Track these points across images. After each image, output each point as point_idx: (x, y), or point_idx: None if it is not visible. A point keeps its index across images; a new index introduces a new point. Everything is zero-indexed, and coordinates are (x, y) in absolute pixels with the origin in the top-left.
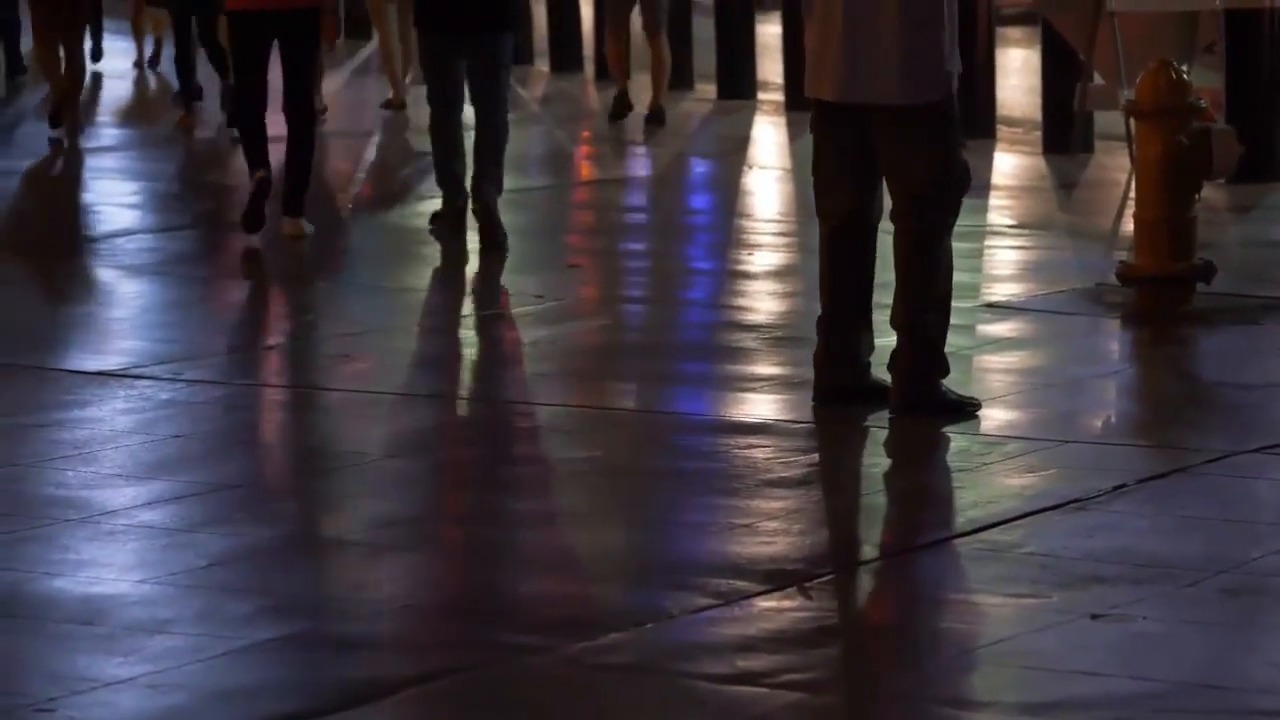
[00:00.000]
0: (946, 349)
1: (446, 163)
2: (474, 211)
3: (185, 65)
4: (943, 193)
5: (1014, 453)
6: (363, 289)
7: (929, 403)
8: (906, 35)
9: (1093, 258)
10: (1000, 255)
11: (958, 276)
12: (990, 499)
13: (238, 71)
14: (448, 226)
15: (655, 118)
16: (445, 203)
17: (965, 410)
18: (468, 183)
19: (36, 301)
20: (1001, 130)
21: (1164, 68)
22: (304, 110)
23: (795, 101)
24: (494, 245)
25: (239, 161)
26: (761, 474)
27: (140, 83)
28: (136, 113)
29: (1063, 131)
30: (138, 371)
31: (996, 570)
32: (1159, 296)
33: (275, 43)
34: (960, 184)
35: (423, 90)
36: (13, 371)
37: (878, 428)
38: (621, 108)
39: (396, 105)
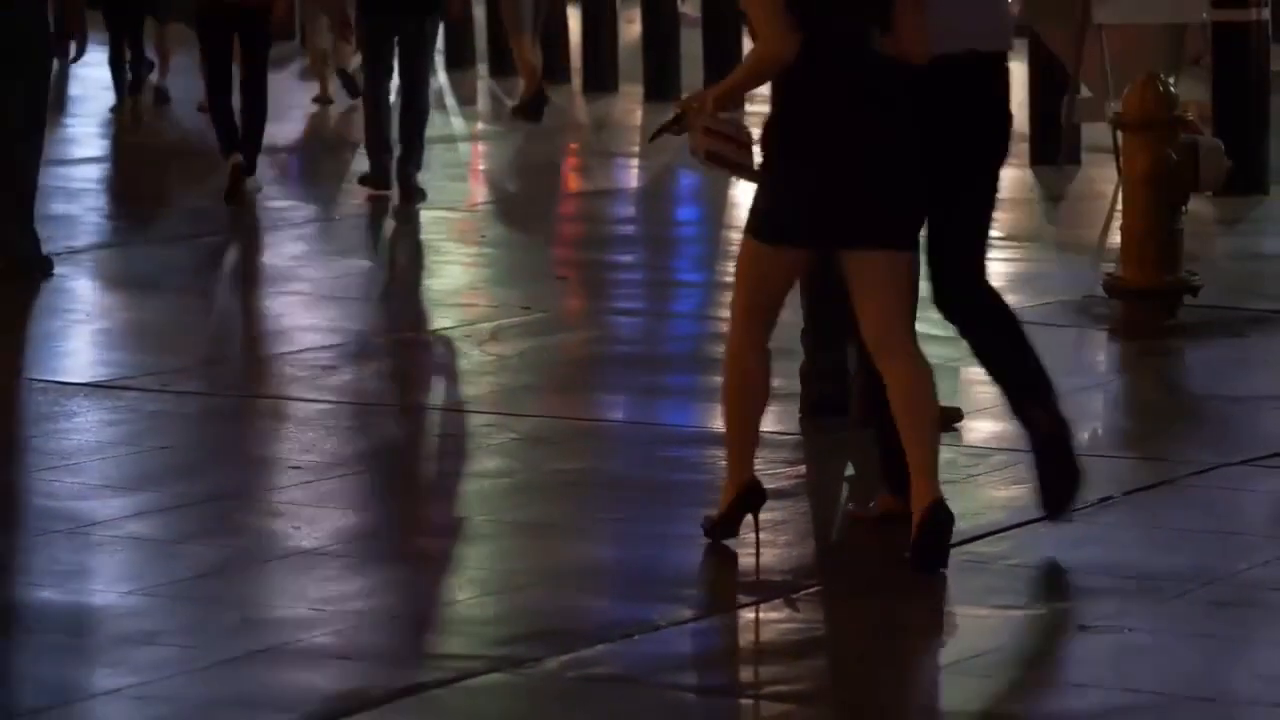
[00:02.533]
0: (934, 360)
1: (375, 127)
2: (398, 180)
3: (117, 65)
4: None
5: (1001, 464)
6: (349, 299)
7: None
8: None
9: (1080, 270)
10: (987, 267)
11: None
12: (977, 511)
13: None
14: (372, 185)
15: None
16: (371, 166)
17: (943, 420)
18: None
19: (21, 312)
20: None
21: (1151, 81)
22: (258, 89)
23: None
24: (410, 200)
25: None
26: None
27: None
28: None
29: (1050, 144)
30: (124, 383)
31: (984, 582)
32: (1146, 309)
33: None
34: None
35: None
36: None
37: (864, 440)
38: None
39: (326, 100)
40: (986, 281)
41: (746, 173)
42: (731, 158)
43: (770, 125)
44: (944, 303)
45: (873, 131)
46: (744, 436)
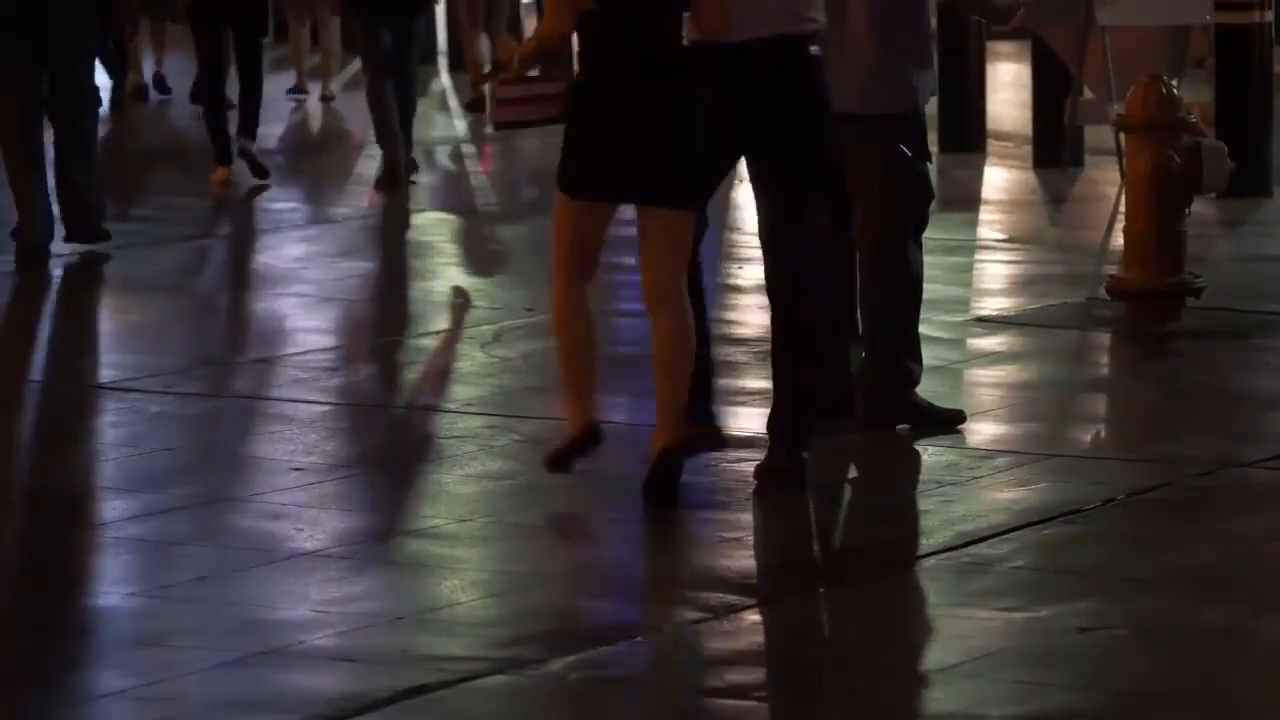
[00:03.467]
0: (937, 363)
1: (384, 120)
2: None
3: (112, 63)
4: (894, 205)
5: (1003, 466)
6: (351, 301)
7: (893, 417)
8: (873, 47)
9: (1083, 272)
10: (990, 269)
11: (948, 290)
12: (979, 513)
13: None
14: (388, 184)
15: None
16: (387, 165)
17: (944, 421)
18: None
19: (23, 314)
20: (992, 144)
21: (1154, 82)
22: (254, 76)
23: None
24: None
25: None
26: (751, 488)
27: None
28: None
29: (1053, 146)
30: (126, 384)
31: (985, 583)
32: (1149, 311)
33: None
34: (911, 198)
35: None
36: (3, 385)
37: (866, 442)
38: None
39: (303, 90)
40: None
41: (551, 121)
42: (531, 118)
43: (572, 90)
44: (771, 262)
45: (659, 101)
46: (579, 377)
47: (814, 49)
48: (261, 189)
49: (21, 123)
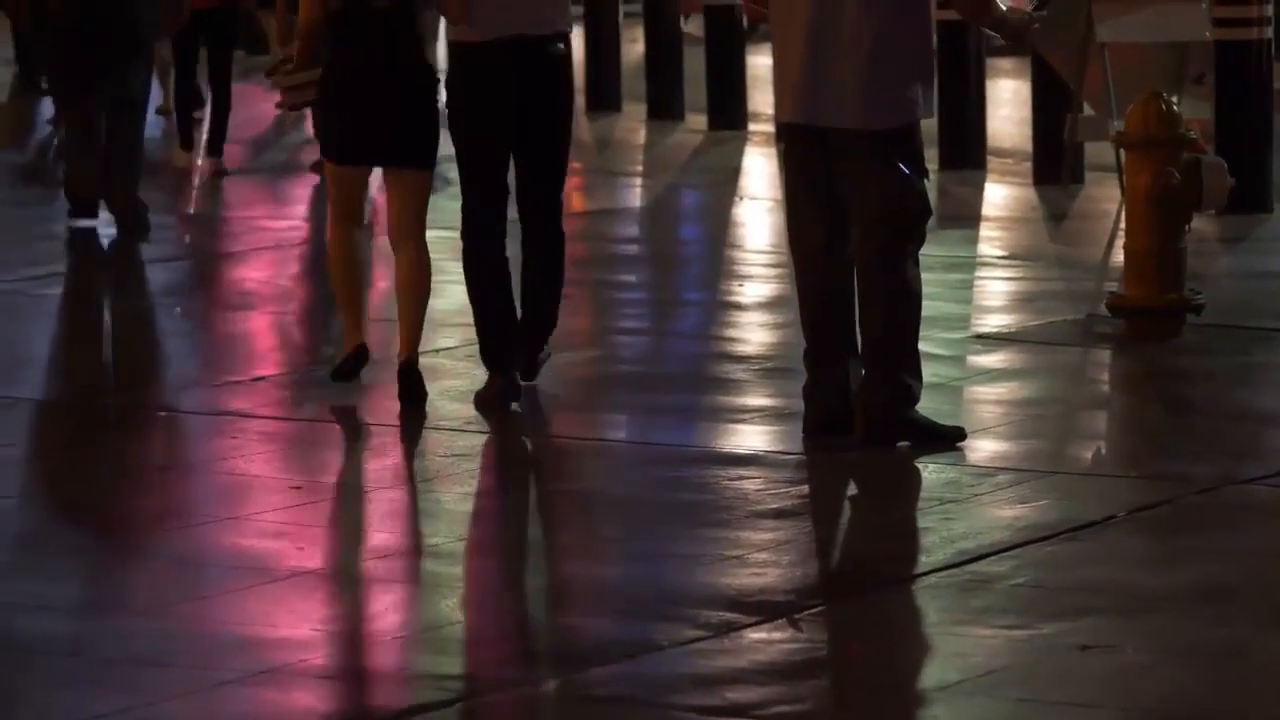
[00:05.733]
0: (938, 380)
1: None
2: None
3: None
4: (893, 222)
5: (1004, 484)
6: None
7: (893, 434)
8: (869, 61)
9: (1083, 289)
10: (991, 286)
11: (948, 307)
12: (980, 530)
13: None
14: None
15: None
16: None
17: (945, 439)
18: None
19: (24, 333)
20: (992, 161)
21: (1154, 99)
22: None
23: None
24: None
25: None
26: (752, 505)
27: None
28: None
29: (1053, 162)
30: (132, 404)
31: (986, 601)
32: (1149, 327)
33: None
34: (910, 214)
35: None
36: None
37: (867, 459)
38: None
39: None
40: (560, 222)
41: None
42: (308, 99)
43: (324, 72)
44: (526, 229)
45: (393, 83)
46: (351, 303)
47: (559, 47)
48: (225, 171)
49: (87, 127)
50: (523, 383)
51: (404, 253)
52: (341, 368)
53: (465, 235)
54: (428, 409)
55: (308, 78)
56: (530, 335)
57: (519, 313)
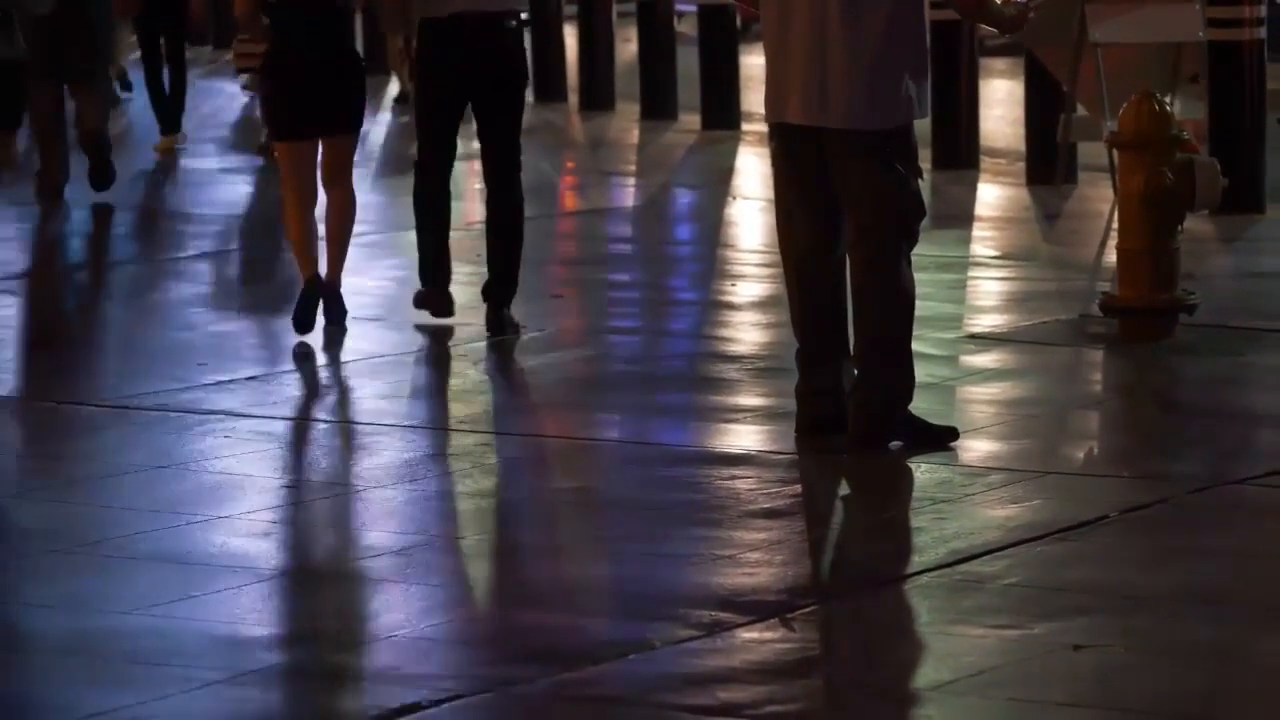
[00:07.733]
0: (930, 380)
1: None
2: None
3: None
4: (888, 222)
5: (996, 484)
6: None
7: (886, 434)
8: (865, 61)
9: (1076, 289)
10: (984, 286)
11: (941, 307)
12: (973, 530)
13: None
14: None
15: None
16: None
17: (938, 439)
18: None
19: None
20: (985, 161)
21: (1147, 99)
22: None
23: None
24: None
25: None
26: (744, 505)
27: None
28: None
29: (1046, 163)
30: (124, 404)
31: (979, 601)
32: (1142, 327)
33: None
34: (905, 214)
35: None
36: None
37: (860, 459)
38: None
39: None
40: (519, 185)
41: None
42: (254, 67)
43: (267, 63)
44: (491, 191)
45: (326, 60)
46: (304, 238)
47: (511, 23)
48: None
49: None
50: (488, 335)
51: (336, 189)
52: (304, 302)
53: (417, 177)
54: (427, 410)
55: (255, 49)
56: (496, 292)
57: (487, 276)
